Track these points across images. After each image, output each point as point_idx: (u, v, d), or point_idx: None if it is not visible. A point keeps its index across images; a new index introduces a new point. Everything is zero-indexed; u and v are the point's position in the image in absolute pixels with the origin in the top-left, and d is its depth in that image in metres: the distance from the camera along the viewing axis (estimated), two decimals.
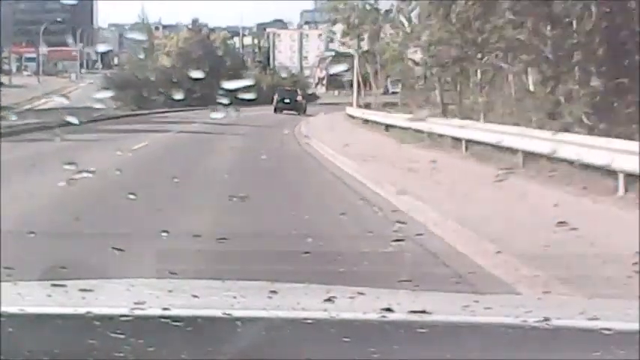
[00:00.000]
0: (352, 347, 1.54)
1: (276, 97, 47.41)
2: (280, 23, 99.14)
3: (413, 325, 1.58)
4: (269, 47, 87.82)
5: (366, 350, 1.53)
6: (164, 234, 5.29)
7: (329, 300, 1.75)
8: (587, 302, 2.08)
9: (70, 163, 5.31)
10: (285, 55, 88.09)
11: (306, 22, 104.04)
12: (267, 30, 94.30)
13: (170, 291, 1.94)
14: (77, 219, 7.58)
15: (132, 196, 9.04)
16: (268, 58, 77.31)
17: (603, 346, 1.51)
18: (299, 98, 49.00)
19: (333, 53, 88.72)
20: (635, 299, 2.05)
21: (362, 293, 1.86)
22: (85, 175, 7.18)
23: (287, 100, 47.08)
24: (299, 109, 45.17)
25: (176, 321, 1.60)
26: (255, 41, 78.22)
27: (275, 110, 44.15)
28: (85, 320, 1.61)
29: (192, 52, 61.35)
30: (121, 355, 1.54)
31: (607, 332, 1.54)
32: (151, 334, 1.57)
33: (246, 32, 76.21)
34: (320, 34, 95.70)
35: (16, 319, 1.61)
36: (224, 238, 5.79)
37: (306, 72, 78.58)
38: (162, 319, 1.60)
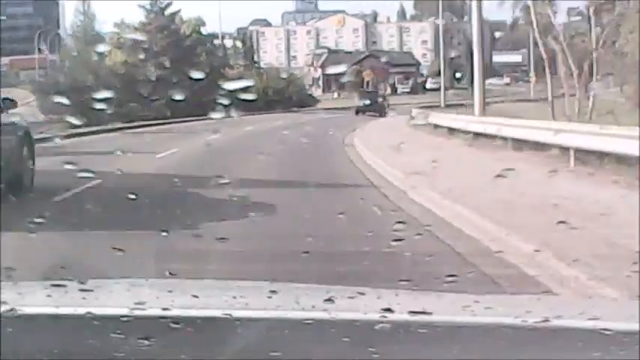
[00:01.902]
0: (352, 347, 1.55)
1: (357, 99, 49.82)
2: (264, 22, 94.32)
3: (413, 326, 1.58)
4: (252, 46, 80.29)
5: (366, 350, 1.53)
6: (164, 234, 5.29)
7: (329, 300, 1.75)
8: (587, 302, 2.08)
9: (69, 163, 5.30)
10: (271, 54, 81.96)
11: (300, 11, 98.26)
12: (250, 28, 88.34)
13: (170, 291, 1.94)
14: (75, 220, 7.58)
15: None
16: (252, 58, 69.62)
17: (603, 346, 1.51)
18: (380, 100, 49.92)
19: (325, 51, 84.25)
20: (635, 299, 2.05)
21: (362, 293, 1.86)
22: (85, 175, 7.17)
23: (368, 102, 48.43)
24: (380, 110, 45.61)
25: (176, 321, 1.60)
26: (238, 43, 71.07)
27: (357, 112, 44.85)
28: (85, 320, 1.61)
29: (152, 42, 47.89)
30: (121, 355, 1.55)
31: (607, 332, 1.54)
32: (151, 334, 1.57)
33: (226, 37, 69.06)
34: (309, 31, 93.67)
35: (16, 319, 1.62)
36: (224, 238, 5.79)
37: (296, 72, 71.11)
38: (162, 320, 1.60)
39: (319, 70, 75.56)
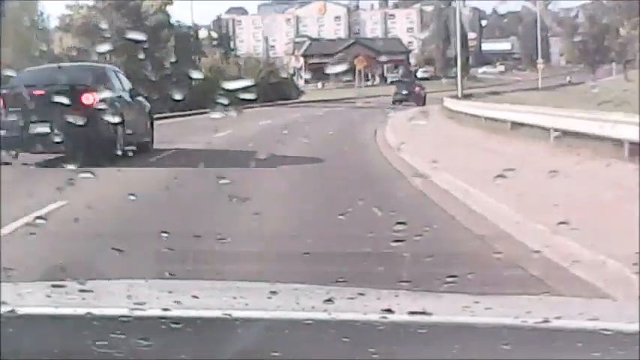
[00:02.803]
0: (352, 347, 1.55)
1: (394, 89, 48.89)
2: (240, 10, 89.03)
3: (413, 326, 1.58)
4: (228, 35, 75.00)
5: (366, 351, 1.53)
6: (164, 234, 5.29)
7: (329, 300, 1.75)
8: (587, 302, 2.08)
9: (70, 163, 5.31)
10: (247, 44, 76.14)
11: None
12: (225, 16, 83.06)
13: (170, 291, 1.94)
14: (76, 220, 7.58)
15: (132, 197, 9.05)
16: (229, 46, 63.27)
17: (603, 346, 1.51)
18: (417, 89, 48.87)
19: (307, 39, 79.80)
20: (635, 299, 2.05)
21: (362, 293, 1.86)
22: (85, 175, 7.17)
23: (405, 92, 47.67)
24: (417, 100, 45.01)
25: (176, 322, 1.60)
26: (213, 34, 64.13)
27: (394, 102, 44.58)
28: (85, 320, 1.61)
29: (109, 22, 38.79)
30: (121, 355, 1.55)
31: (607, 332, 1.54)
32: (151, 334, 1.57)
33: (201, 28, 62.49)
34: (288, 19, 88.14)
35: (16, 319, 1.62)
36: (224, 238, 5.79)
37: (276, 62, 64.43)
38: (162, 320, 1.60)
39: (301, 60, 70.48)
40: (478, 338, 1.57)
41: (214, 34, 63.39)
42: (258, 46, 78.02)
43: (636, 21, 59.03)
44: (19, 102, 13.89)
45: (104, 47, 32.95)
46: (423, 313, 1.64)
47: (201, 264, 4.91)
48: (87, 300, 1.81)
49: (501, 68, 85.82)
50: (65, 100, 12.53)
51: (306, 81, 66.13)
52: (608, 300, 2.07)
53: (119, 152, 13.60)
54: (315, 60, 67.92)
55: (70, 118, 12.46)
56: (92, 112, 12.63)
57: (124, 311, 1.63)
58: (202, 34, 58.77)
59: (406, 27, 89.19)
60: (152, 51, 37.35)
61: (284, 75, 54.60)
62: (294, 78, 61.76)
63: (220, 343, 1.57)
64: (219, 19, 63.66)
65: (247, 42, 78.53)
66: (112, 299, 1.94)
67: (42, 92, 13.75)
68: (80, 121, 11.79)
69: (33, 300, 1.83)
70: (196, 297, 1.86)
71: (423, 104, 43.43)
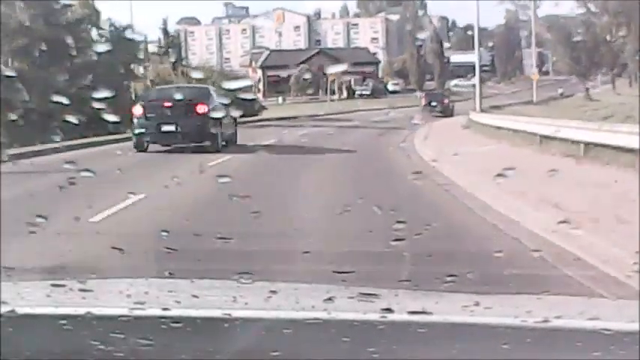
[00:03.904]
0: (352, 347, 1.55)
1: (422, 101, 48.74)
2: (193, 20, 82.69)
3: (413, 326, 1.58)
4: (180, 47, 66.65)
5: (366, 350, 1.53)
6: (164, 234, 5.29)
7: (329, 300, 1.75)
8: (587, 302, 2.08)
9: (69, 162, 5.31)
10: (200, 56, 68.50)
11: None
12: (177, 27, 75.37)
13: (170, 291, 1.94)
14: (76, 219, 7.58)
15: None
16: (180, 56, 55.91)
17: (603, 346, 1.51)
18: (446, 101, 49.07)
19: (264, 50, 73.05)
20: (635, 299, 2.05)
21: (362, 293, 1.86)
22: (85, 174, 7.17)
23: (434, 103, 47.70)
24: (446, 111, 45.46)
25: (176, 321, 1.60)
26: (159, 47, 54.28)
27: (423, 114, 44.16)
28: (85, 320, 1.61)
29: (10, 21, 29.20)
30: (121, 355, 1.55)
31: (607, 332, 1.54)
32: (151, 334, 1.57)
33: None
34: (244, 29, 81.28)
35: (16, 319, 1.62)
36: (224, 238, 5.78)
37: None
38: (162, 319, 1.60)
39: (259, 72, 63.83)
40: (478, 338, 1.57)
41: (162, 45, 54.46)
42: (211, 59, 70.09)
43: (625, 26, 57.46)
44: (154, 110, 20.34)
45: None
46: (423, 312, 1.63)
47: (201, 264, 4.92)
48: (87, 299, 1.81)
49: (474, 81, 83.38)
50: (186, 109, 19.61)
51: (264, 94, 59.48)
52: (608, 300, 2.07)
53: (220, 145, 19.96)
54: (275, 72, 62.57)
55: (189, 121, 19.46)
56: (203, 118, 19.68)
57: (124, 310, 1.63)
58: (152, 48, 51.86)
59: (370, 37, 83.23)
60: (68, 55, 30.02)
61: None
62: (252, 91, 54.63)
63: (220, 343, 1.57)
64: (165, 25, 55.02)
65: (200, 54, 71.32)
66: (111, 298, 1.94)
67: (170, 104, 20.28)
68: (196, 124, 19.41)
69: (33, 299, 1.83)
70: (196, 296, 1.86)
71: (452, 115, 43.83)
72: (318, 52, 69.81)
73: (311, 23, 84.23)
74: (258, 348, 1.55)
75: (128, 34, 36.35)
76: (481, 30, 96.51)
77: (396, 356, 1.55)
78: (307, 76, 60.26)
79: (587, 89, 63.56)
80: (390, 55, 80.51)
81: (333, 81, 55.31)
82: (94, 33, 35.07)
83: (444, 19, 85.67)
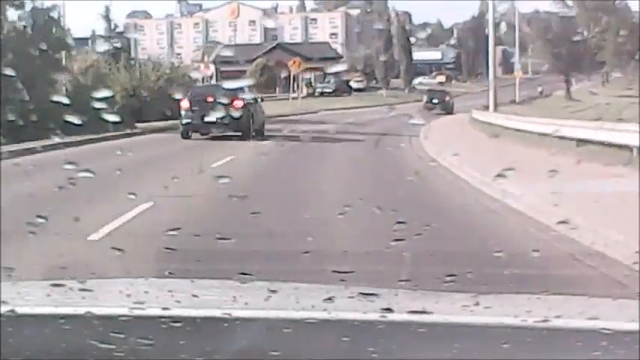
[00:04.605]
0: (352, 347, 1.54)
1: (425, 97, 48.61)
2: (143, 13, 78.74)
3: (413, 325, 1.58)
4: (129, 42, 61.32)
5: (366, 350, 1.53)
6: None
7: (329, 300, 1.75)
8: (587, 302, 2.08)
9: (70, 163, 5.31)
10: (151, 51, 59.81)
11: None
12: (126, 21, 73.53)
13: (170, 291, 1.94)
14: (76, 219, 7.58)
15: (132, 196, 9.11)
16: (123, 51, 45.08)
17: (603, 346, 1.51)
18: (447, 98, 49.18)
19: (218, 44, 68.42)
20: (635, 299, 2.05)
21: (362, 293, 1.86)
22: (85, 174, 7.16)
23: (435, 100, 47.90)
24: (447, 108, 45.81)
25: (176, 321, 1.60)
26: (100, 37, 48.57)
27: (425, 109, 44.69)
28: (85, 320, 1.61)
29: None
30: (121, 355, 1.55)
31: (607, 332, 1.54)
32: (151, 334, 1.57)
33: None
34: (197, 23, 77.43)
35: (16, 319, 1.62)
36: (224, 238, 5.79)
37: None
38: (162, 319, 1.60)
39: (212, 67, 58.04)
40: (478, 337, 1.57)
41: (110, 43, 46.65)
42: (162, 54, 62.24)
43: (604, 23, 55.84)
44: (198, 103, 23.94)
45: None
46: (423, 312, 1.63)
47: (201, 263, 4.92)
48: (87, 299, 1.81)
49: (441, 79, 78.51)
50: (225, 104, 22.32)
51: None
52: (608, 299, 2.07)
53: (251, 135, 23.95)
54: (230, 67, 56.99)
55: (228, 114, 22.70)
56: (239, 110, 23.18)
57: (124, 310, 1.63)
58: (101, 46, 46.23)
59: (329, 32, 79.82)
60: None
61: (187, 83, 39.67)
62: None
63: (220, 343, 1.57)
64: (107, 12, 50.22)
65: (150, 49, 63.54)
66: (111, 298, 1.94)
67: (212, 99, 23.47)
68: (233, 116, 22.79)
69: (33, 299, 1.83)
70: (196, 296, 1.86)
71: (452, 113, 43.91)
72: (275, 47, 66.44)
73: (267, 17, 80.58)
74: (258, 348, 1.55)
75: (55, 16, 29.26)
76: (443, 27, 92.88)
77: (396, 356, 1.55)
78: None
79: (569, 88, 61.03)
80: (351, 51, 76.24)
81: (294, 78, 49.33)
82: (11, 13, 28.42)
83: (406, 13, 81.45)
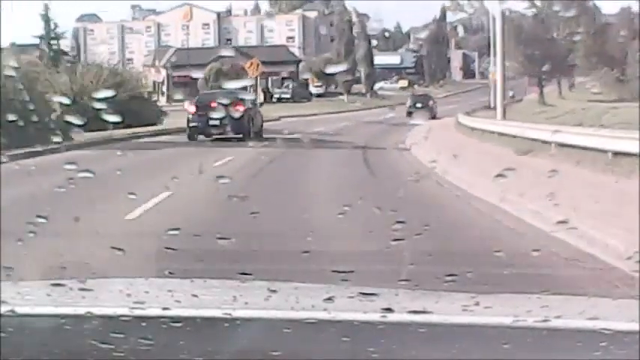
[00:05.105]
0: (352, 347, 1.54)
1: (408, 102, 48.51)
2: (93, 17, 75.56)
3: (413, 325, 1.58)
4: (78, 47, 61.09)
5: (366, 350, 1.53)
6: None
7: (329, 300, 1.75)
8: (587, 302, 2.08)
9: (70, 163, 5.31)
10: (101, 57, 51.25)
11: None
12: (76, 25, 70.73)
13: (170, 291, 1.94)
14: (76, 219, 7.58)
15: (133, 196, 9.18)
16: (64, 53, 44.00)
17: (603, 346, 1.51)
18: (431, 103, 49.01)
19: (170, 47, 66.08)
20: (635, 299, 2.05)
21: (362, 293, 1.86)
22: (85, 174, 7.17)
23: (419, 105, 47.68)
24: (431, 113, 45.86)
25: (176, 321, 1.60)
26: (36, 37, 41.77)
27: (408, 114, 44.55)
28: (85, 320, 1.61)
29: None
30: (121, 355, 1.55)
31: (607, 332, 1.54)
32: (151, 333, 1.57)
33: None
34: (148, 27, 74.31)
35: (16, 319, 1.62)
36: (224, 238, 5.78)
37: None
38: (162, 319, 1.60)
39: (163, 72, 56.33)
40: (478, 337, 1.57)
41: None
42: (113, 59, 56.72)
43: (574, 24, 54.35)
44: (203, 108, 26.21)
45: None
46: (423, 312, 1.63)
47: (201, 263, 4.91)
48: (87, 299, 1.81)
49: (403, 83, 74.89)
50: (227, 108, 24.50)
51: (169, 98, 48.61)
52: (608, 299, 2.07)
53: (251, 136, 25.67)
54: (182, 72, 54.65)
55: (230, 118, 24.98)
56: (241, 114, 25.32)
57: (124, 310, 1.63)
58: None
59: (286, 35, 76.20)
60: None
61: (142, 86, 37.90)
62: (154, 95, 44.68)
63: (220, 343, 1.57)
64: (45, 10, 46.59)
65: (101, 55, 56.12)
66: (111, 298, 1.94)
67: (215, 104, 25.92)
68: (235, 119, 24.99)
69: (33, 299, 1.83)
70: (196, 296, 1.86)
71: (435, 117, 43.64)
72: (230, 50, 61.27)
73: (221, 20, 76.60)
74: (258, 348, 1.55)
75: None
76: (401, 31, 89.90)
77: (396, 356, 1.55)
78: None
79: (542, 92, 57.48)
80: (308, 55, 71.79)
81: (260, 76, 46.45)
82: None
83: (363, 15, 75.27)
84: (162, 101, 46.38)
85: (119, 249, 5.29)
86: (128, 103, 28.69)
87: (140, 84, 38.16)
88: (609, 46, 55.06)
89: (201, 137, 26.35)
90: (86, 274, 3.24)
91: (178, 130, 28.39)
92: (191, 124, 27.13)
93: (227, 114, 25.19)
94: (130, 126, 25.46)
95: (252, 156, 19.35)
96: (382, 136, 29.13)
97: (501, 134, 23.36)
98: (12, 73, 20.53)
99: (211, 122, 26.05)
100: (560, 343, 1.54)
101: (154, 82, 50.92)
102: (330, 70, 63.05)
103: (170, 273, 3.28)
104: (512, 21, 59.72)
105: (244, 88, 27.70)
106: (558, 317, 1.61)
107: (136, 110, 29.60)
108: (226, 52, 57.39)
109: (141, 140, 26.15)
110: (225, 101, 25.72)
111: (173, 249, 4.80)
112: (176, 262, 4.38)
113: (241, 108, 25.43)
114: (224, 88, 33.07)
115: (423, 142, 22.53)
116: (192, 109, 27.43)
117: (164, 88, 55.53)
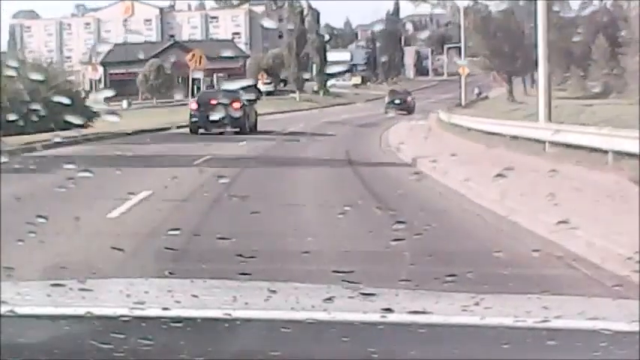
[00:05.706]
0: (352, 347, 1.54)
1: (387, 98, 48.81)
2: (30, 13, 72.95)
3: (413, 325, 1.58)
4: (15, 44, 58.07)
5: (366, 350, 1.53)
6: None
7: (329, 300, 1.75)
8: (587, 302, 2.08)
9: (70, 163, 5.31)
10: (38, 55, 44.01)
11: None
12: (12, 21, 68.13)
13: (170, 291, 1.94)
14: (76, 219, 7.58)
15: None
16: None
17: (603, 346, 1.51)
18: (409, 99, 49.19)
19: (108, 45, 63.45)
20: (635, 299, 2.05)
21: (362, 293, 1.86)
22: (84, 174, 7.18)
23: (397, 101, 48.07)
24: (409, 109, 46.31)
25: (176, 321, 1.60)
26: None
27: (386, 111, 44.99)
28: (85, 320, 1.61)
29: None
30: (121, 355, 1.55)
31: (607, 332, 1.54)
32: (151, 334, 1.57)
33: None
34: (88, 23, 71.57)
35: (16, 319, 1.62)
36: (224, 238, 5.79)
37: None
38: (162, 319, 1.60)
39: (100, 69, 52.96)
40: (478, 338, 1.57)
41: None
42: (52, 57, 48.77)
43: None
44: (204, 104, 28.68)
45: None
46: (423, 312, 1.64)
47: (201, 263, 4.92)
48: (86, 299, 1.81)
49: (356, 80, 73.59)
50: (226, 105, 27.31)
51: (106, 97, 40.94)
52: (607, 299, 2.07)
53: (247, 130, 28.42)
54: (120, 69, 52.21)
55: (228, 113, 27.30)
56: (238, 111, 27.72)
57: (124, 310, 1.63)
58: None
59: (232, 31, 72.96)
60: None
61: (70, 87, 32.28)
62: (90, 94, 39.04)
63: (220, 343, 1.57)
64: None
65: (38, 52, 47.30)
66: (111, 298, 1.94)
67: (215, 101, 29.35)
68: (233, 115, 27.35)
69: (33, 299, 1.83)
70: (196, 296, 1.86)
71: (412, 113, 43.61)
72: (172, 45, 59.52)
73: (164, 16, 73.12)
74: (258, 348, 1.55)
75: None
76: (351, 27, 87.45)
77: (396, 356, 1.55)
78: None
79: (511, 89, 55.21)
80: (256, 51, 68.40)
81: (194, 80, 43.57)
82: None
83: (314, 10, 71.46)
84: (100, 100, 37.97)
85: (119, 249, 5.29)
86: (51, 104, 18.86)
87: (70, 82, 33.55)
88: (572, 43, 53.22)
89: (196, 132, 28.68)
90: (86, 274, 3.24)
91: (110, 135, 22.75)
92: (192, 120, 29.52)
93: (225, 110, 27.67)
94: (51, 130, 17.27)
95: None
96: (356, 141, 24.32)
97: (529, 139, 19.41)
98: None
99: (211, 117, 27.96)
100: (560, 343, 1.54)
101: (91, 81, 47.82)
102: (331, 68, 61.21)
103: (170, 273, 3.28)
104: (478, 12, 55.48)
105: (241, 92, 30.30)
106: (558, 318, 1.61)
107: (59, 111, 18.62)
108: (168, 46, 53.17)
109: (36, 154, 16.79)
110: (223, 99, 28.68)
111: (173, 249, 4.81)
112: (176, 263, 4.39)
113: (238, 105, 28.11)
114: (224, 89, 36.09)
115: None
116: (194, 105, 29.96)
117: (101, 86, 52.33)
